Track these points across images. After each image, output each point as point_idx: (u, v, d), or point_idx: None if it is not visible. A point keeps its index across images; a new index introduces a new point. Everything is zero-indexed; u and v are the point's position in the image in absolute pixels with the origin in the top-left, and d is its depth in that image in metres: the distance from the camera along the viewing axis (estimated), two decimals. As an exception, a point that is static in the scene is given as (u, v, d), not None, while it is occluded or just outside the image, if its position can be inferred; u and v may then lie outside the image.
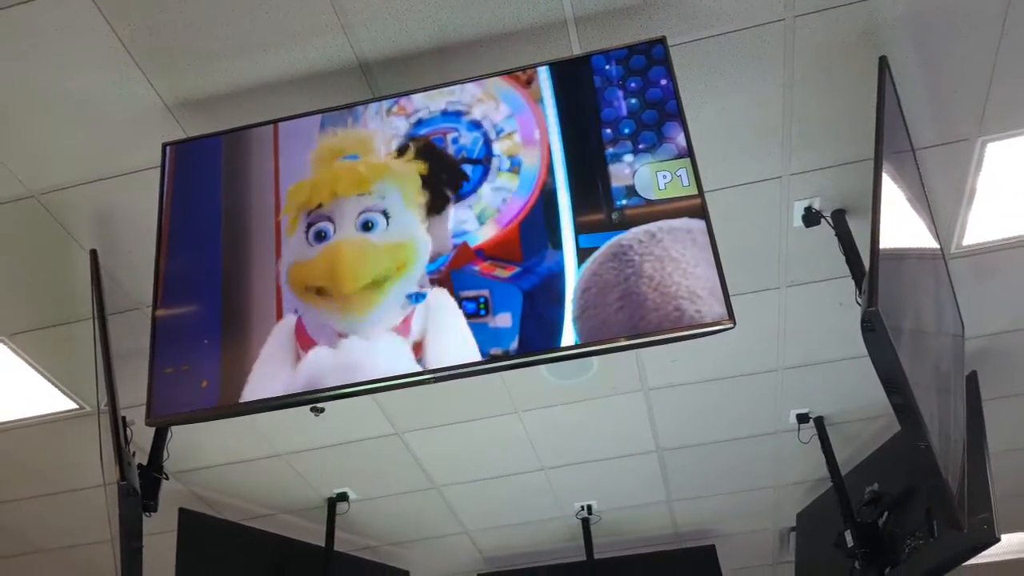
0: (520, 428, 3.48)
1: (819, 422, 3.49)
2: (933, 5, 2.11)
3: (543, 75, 1.97)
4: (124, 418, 2.20)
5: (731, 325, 1.62)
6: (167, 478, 2.35)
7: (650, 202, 1.78)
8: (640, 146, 1.84)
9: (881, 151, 1.96)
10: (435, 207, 1.87)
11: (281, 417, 3.13)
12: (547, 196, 1.84)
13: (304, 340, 1.78)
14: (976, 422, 2.78)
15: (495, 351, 1.69)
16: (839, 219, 2.59)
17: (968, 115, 2.39)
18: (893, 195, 2.04)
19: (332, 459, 3.58)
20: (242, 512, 3.88)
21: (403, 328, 1.75)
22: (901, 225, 2.10)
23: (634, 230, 1.75)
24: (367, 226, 1.88)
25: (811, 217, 2.60)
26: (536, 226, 1.81)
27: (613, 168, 1.83)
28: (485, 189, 1.87)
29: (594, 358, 3.08)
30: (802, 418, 3.49)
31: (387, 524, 4.06)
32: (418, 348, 1.72)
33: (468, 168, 1.91)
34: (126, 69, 2.13)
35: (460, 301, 1.75)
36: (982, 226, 2.72)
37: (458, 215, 1.85)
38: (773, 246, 2.75)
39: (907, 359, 1.80)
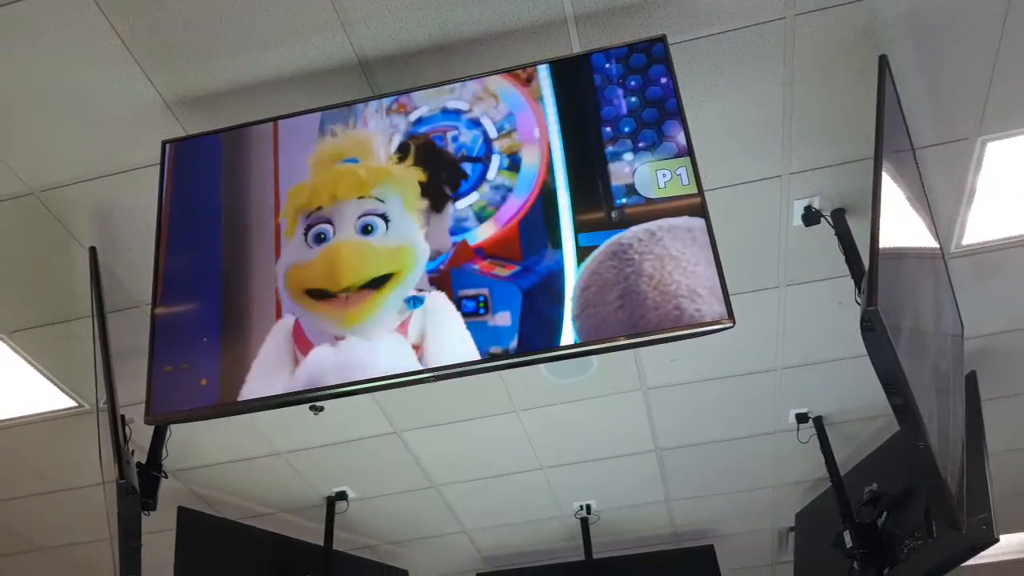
0: (519, 427, 3.48)
1: (818, 422, 3.49)
2: (933, 4, 2.11)
3: (543, 73, 1.97)
4: (123, 416, 2.20)
5: (731, 324, 1.62)
6: (166, 476, 2.35)
7: (650, 200, 1.78)
8: (640, 144, 1.84)
9: (881, 150, 1.96)
10: (434, 207, 1.87)
11: (280, 416, 3.12)
12: (547, 194, 1.84)
13: (302, 342, 1.78)
14: (975, 422, 2.78)
15: (495, 350, 1.69)
16: (839, 218, 2.59)
17: (968, 114, 2.39)
18: (893, 194, 2.04)
19: (331, 458, 3.58)
20: (241, 511, 3.88)
21: (402, 330, 1.75)
22: (901, 224, 2.10)
23: (634, 229, 1.75)
24: (367, 229, 1.88)
25: (811, 216, 2.60)
26: (536, 225, 1.81)
27: (613, 166, 1.83)
28: (485, 187, 1.87)
29: (593, 357, 3.08)
30: (801, 418, 3.49)
31: (386, 523, 4.06)
32: (417, 350, 1.72)
33: (468, 166, 1.91)
34: (125, 66, 2.13)
35: (459, 300, 1.75)
36: (982, 226, 2.72)
37: (457, 213, 1.85)
38: (773, 245, 2.75)
39: (906, 359, 1.80)
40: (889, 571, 2.79)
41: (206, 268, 1.94)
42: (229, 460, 3.55)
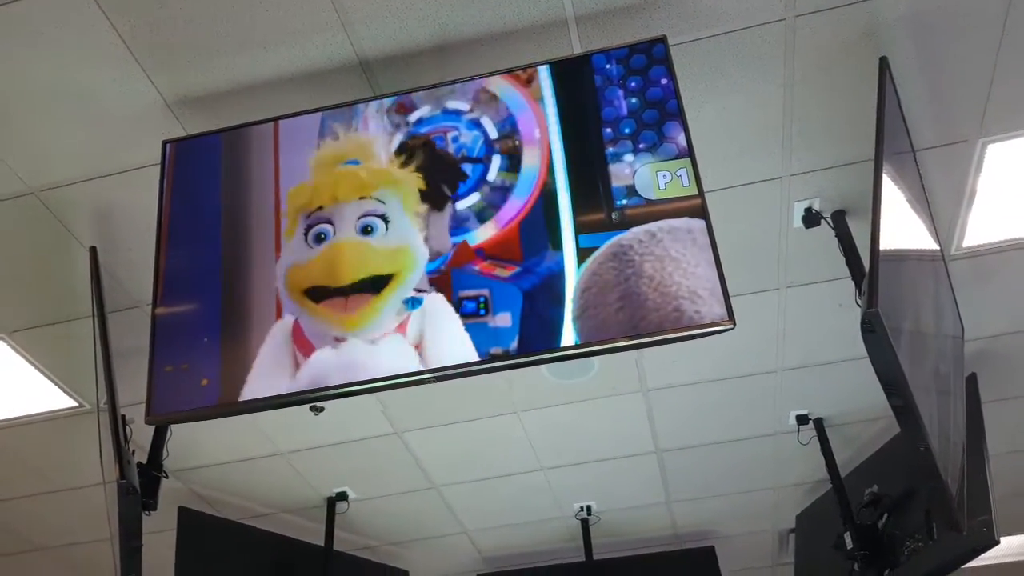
0: (520, 428, 3.48)
1: (819, 423, 3.48)
2: (933, 5, 2.11)
3: (543, 74, 1.97)
4: (124, 416, 2.20)
5: (731, 326, 1.62)
6: (166, 476, 2.35)
7: (650, 202, 1.77)
8: (640, 145, 1.84)
9: (881, 152, 1.95)
10: (434, 208, 1.87)
11: (281, 416, 3.13)
12: (547, 195, 1.83)
13: (302, 343, 1.78)
14: (976, 424, 2.78)
15: (495, 351, 1.68)
16: (839, 220, 2.58)
17: (968, 116, 2.39)
18: (893, 196, 2.04)
19: (332, 458, 3.58)
20: (241, 511, 3.88)
21: (400, 331, 1.75)
22: (901, 226, 2.10)
23: (634, 230, 1.75)
24: (367, 230, 1.88)
25: (811, 218, 2.60)
26: (536, 226, 1.81)
27: (613, 168, 1.83)
28: (485, 188, 1.87)
29: (595, 358, 3.08)
30: (802, 419, 3.49)
31: (386, 524, 4.06)
32: (417, 349, 1.72)
33: (468, 167, 1.91)
34: (126, 66, 2.13)
35: (460, 301, 1.75)
36: (982, 228, 2.72)
37: (458, 214, 1.85)
38: (773, 247, 2.75)
39: (907, 361, 1.80)
40: (890, 573, 2.79)
41: (206, 268, 1.94)
42: (230, 460, 3.55)
